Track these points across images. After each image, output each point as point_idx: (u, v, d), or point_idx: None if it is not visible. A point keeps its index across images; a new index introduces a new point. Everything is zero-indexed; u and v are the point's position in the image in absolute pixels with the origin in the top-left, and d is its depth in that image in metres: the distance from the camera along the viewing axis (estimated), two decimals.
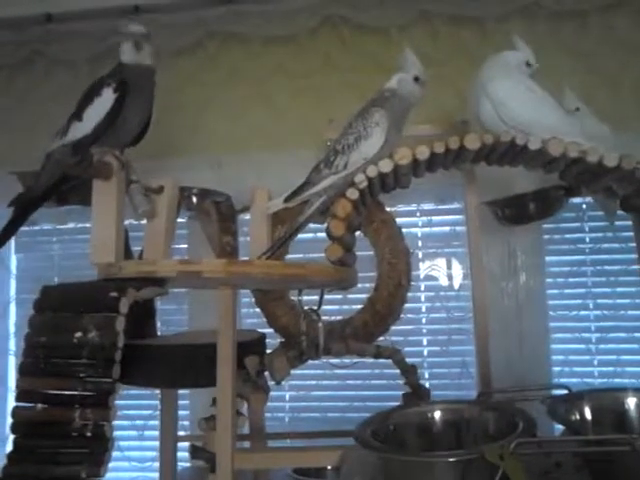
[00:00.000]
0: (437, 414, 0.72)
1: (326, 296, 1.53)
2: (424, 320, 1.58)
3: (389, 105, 0.81)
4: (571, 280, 1.47)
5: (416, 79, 0.82)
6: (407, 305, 1.56)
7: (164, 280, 0.71)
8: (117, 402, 0.85)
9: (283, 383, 1.62)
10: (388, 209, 1.53)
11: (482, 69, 0.87)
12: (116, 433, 0.78)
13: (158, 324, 1.19)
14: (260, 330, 1.17)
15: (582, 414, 0.71)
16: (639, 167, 0.74)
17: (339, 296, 1.48)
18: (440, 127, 1.18)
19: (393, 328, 1.53)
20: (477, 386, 1.22)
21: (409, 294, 1.56)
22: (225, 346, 0.79)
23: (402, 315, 1.54)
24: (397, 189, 0.87)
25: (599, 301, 1.46)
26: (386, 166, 0.77)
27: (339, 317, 1.30)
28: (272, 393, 1.60)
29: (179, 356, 1.02)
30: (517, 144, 0.76)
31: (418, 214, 1.59)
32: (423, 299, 1.58)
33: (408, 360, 1.57)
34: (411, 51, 0.85)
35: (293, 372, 1.60)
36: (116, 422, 0.80)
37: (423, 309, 1.59)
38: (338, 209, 0.75)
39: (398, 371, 1.02)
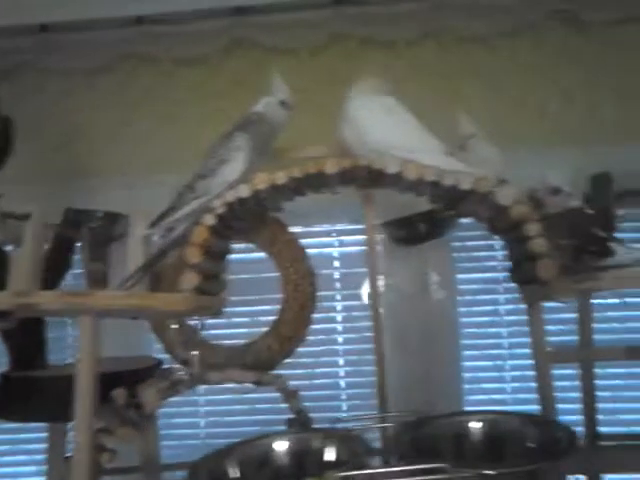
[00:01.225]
0: (281, 445, 0.71)
1: (236, 319, 1.53)
2: (340, 340, 1.57)
3: (253, 129, 0.81)
4: (481, 297, 1.48)
5: (282, 103, 0.82)
6: (324, 326, 1.57)
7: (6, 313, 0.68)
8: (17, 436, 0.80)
9: (199, 409, 1.61)
10: (300, 229, 1.54)
11: (346, 92, 0.87)
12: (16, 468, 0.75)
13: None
14: None
15: (423, 441, 0.70)
16: (494, 190, 0.75)
17: (246, 319, 1.47)
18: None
19: (310, 350, 1.54)
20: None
21: (327, 315, 1.58)
22: (84, 377, 0.76)
23: (320, 337, 1.56)
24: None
25: (510, 318, 1.47)
26: (244, 191, 0.76)
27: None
28: (185, 420, 1.58)
29: (63, 388, 0.98)
30: (374, 168, 0.75)
31: (334, 234, 1.59)
32: (340, 319, 1.57)
33: (326, 381, 1.59)
34: (279, 75, 0.84)
35: (211, 398, 1.59)
36: (15, 457, 0.77)
37: (339, 329, 1.58)
38: (194, 235, 0.73)
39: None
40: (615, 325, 1.34)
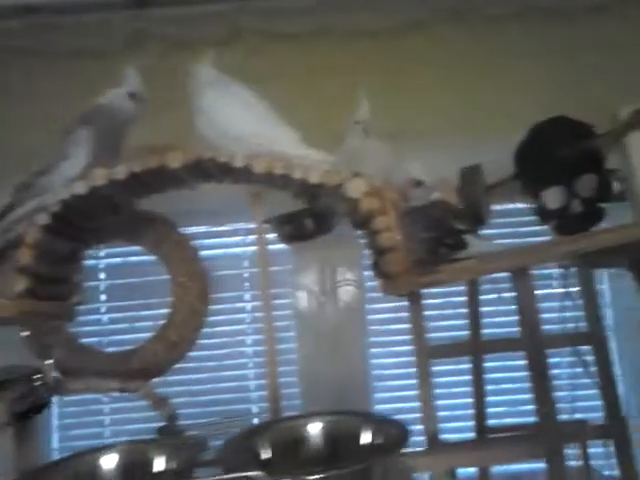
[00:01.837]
0: (110, 459, 0.67)
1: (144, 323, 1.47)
2: (249, 341, 1.53)
3: (97, 122, 0.76)
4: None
5: (131, 95, 0.77)
6: (233, 327, 1.53)
7: None
8: None
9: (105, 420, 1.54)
10: (204, 229, 1.50)
11: (195, 82, 0.84)
12: None
13: None
14: None
15: (259, 447, 0.67)
16: (344, 183, 0.73)
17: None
18: None
19: (220, 352, 1.50)
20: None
21: (238, 315, 1.54)
22: None
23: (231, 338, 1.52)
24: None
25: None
26: (80, 188, 0.71)
27: None
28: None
29: None
30: (221, 162, 0.72)
31: (243, 233, 1.55)
32: (249, 320, 1.54)
33: (234, 384, 1.55)
34: (133, 68, 0.80)
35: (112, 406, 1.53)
36: None
37: (249, 330, 1.54)
38: (26, 236, 0.68)
39: None
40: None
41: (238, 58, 1.46)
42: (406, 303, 1.47)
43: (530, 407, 1.16)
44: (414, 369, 1.47)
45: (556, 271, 1.12)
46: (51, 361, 0.82)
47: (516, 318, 0.82)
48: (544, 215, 0.86)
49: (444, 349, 1.06)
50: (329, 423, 0.69)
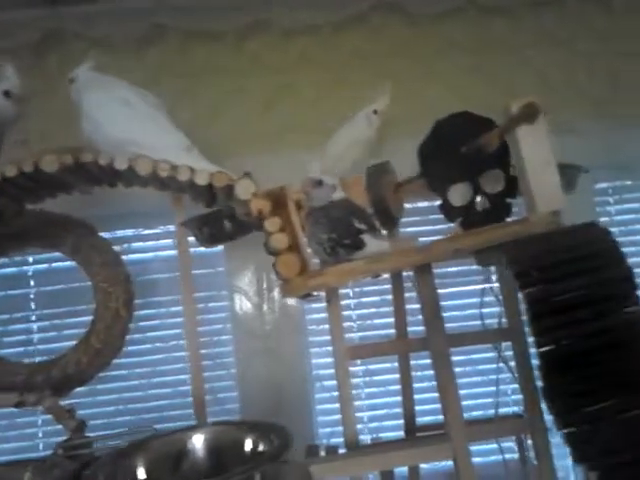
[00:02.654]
0: None
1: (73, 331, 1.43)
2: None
3: None
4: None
5: (6, 93, 0.74)
6: (168, 332, 1.49)
7: None
8: None
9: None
10: (132, 232, 1.46)
11: (76, 81, 0.81)
12: None
13: None
14: None
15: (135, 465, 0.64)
16: (233, 185, 0.70)
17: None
18: None
19: (156, 357, 1.46)
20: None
21: (173, 320, 1.50)
22: None
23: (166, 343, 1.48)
24: None
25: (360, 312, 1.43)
26: None
27: None
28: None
29: None
30: (102, 164, 0.69)
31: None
32: None
33: (170, 390, 1.51)
34: (11, 65, 0.76)
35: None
36: None
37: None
38: None
39: None
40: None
41: (160, 56, 1.45)
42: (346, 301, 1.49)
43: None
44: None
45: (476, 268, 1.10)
46: None
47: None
48: (450, 212, 0.85)
49: (365, 349, 1.04)
50: (212, 435, 0.67)
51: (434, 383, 0.85)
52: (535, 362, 0.70)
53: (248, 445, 0.64)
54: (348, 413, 0.96)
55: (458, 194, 0.83)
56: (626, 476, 0.56)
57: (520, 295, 0.61)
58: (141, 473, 0.63)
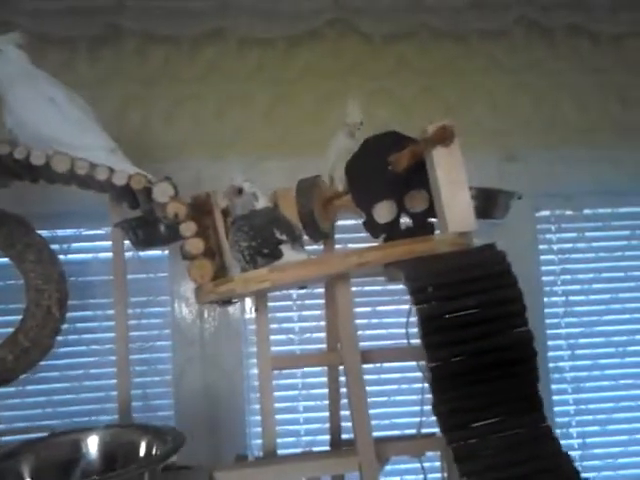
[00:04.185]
0: None
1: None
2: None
3: None
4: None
5: None
6: (103, 335, 1.47)
7: None
8: None
9: None
10: (71, 232, 1.44)
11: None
12: None
13: None
14: None
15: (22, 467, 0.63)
16: (151, 187, 0.70)
17: None
18: None
19: (90, 360, 1.44)
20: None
21: (108, 323, 1.47)
22: None
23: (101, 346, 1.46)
24: None
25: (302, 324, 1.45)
26: None
27: None
28: None
29: None
30: (17, 158, 0.69)
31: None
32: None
33: (102, 394, 1.48)
34: None
35: None
36: None
37: None
38: None
39: None
40: None
41: (115, 57, 1.45)
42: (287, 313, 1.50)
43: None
44: (289, 379, 1.48)
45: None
46: None
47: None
48: (373, 229, 0.86)
49: (288, 360, 1.04)
50: (106, 437, 0.67)
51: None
52: None
53: (142, 447, 0.64)
54: (268, 422, 0.97)
55: (383, 212, 0.85)
56: None
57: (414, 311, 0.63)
58: (26, 474, 0.62)
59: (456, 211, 0.73)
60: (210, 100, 1.49)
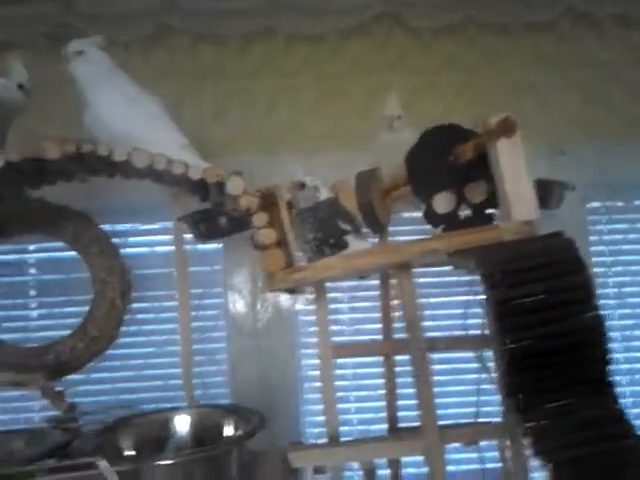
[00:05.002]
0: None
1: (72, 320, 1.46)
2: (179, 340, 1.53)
3: None
4: None
5: (20, 86, 0.79)
6: (162, 326, 1.52)
7: None
8: None
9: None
10: (129, 227, 1.50)
11: (77, 73, 0.85)
12: None
13: None
14: None
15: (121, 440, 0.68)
16: (224, 181, 0.74)
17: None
18: None
19: (149, 350, 1.49)
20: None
21: (167, 314, 1.53)
22: None
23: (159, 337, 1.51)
24: None
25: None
26: None
27: None
28: None
29: None
30: (101, 155, 0.73)
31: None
32: None
33: (161, 383, 1.54)
34: (17, 59, 0.81)
35: None
36: None
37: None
38: None
39: None
40: None
41: (167, 56, 1.49)
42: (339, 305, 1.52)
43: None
44: (339, 370, 1.51)
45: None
46: None
47: None
48: (433, 219, 0.88)
49: (348, 349, 1.07)
50: (195, 416, 0.71)
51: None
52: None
53: (229, 426, 0.68)
54: (331, 408, 1.00)
55: (442, 202, 0.87)
56: (577, 469, 0.59)
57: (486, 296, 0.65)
58: (127, 446, 0.66)
59: (520, 200, 0.75)
60: (260, 96, 1.52)
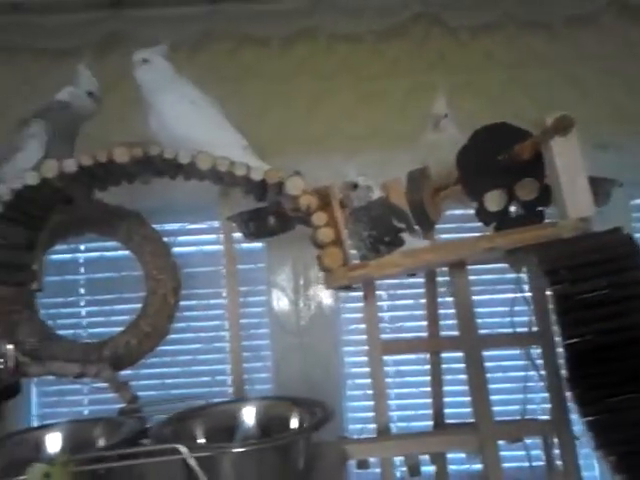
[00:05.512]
0: (55, 437, 0.71)
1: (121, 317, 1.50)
2: (227, 337, 1.57)
3: (53, 116, 0.81)
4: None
5: (90, 94, 0.83)
6: (209, 323, 1.56)
7: None
8: None
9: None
10: (178, 226, 1.54)
11: (142, 80, 0.88)
12: None
13: None
14: None
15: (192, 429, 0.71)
16: (284, 181, 0.77)
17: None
18: None
19: (197, 347, 1.53)
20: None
21: (215, 312, 1.57)
22: None
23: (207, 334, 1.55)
24: None
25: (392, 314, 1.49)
26: (32, 179, 0.76)
27: None
28: None
29: None
30: (166, 158, 0.77)
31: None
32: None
33: (208, 379, 1.58)
34: (86, 67, 0.85)
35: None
36: None
37: (226, 325, 1.57)
38: None
39: None
40: None
41: (211, 60, 1.53)
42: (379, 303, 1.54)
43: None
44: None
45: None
46: (11, 346, 0.87)
47: None
48: (485, 217, 0.90)
49: (398, 345, 1.09)
50: (262, 407, 0.73)
51: (461, 386, 0.89)
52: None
53: (295, 418, 0.70)
54: (381, 403, 1.01)
55: (493, 200, 0.88)
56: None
57: (548, 292, 0.66)
58: (200, 435, 0.69)
59: (576, 197, 0.76)
60: (300, 97, 1.54)
